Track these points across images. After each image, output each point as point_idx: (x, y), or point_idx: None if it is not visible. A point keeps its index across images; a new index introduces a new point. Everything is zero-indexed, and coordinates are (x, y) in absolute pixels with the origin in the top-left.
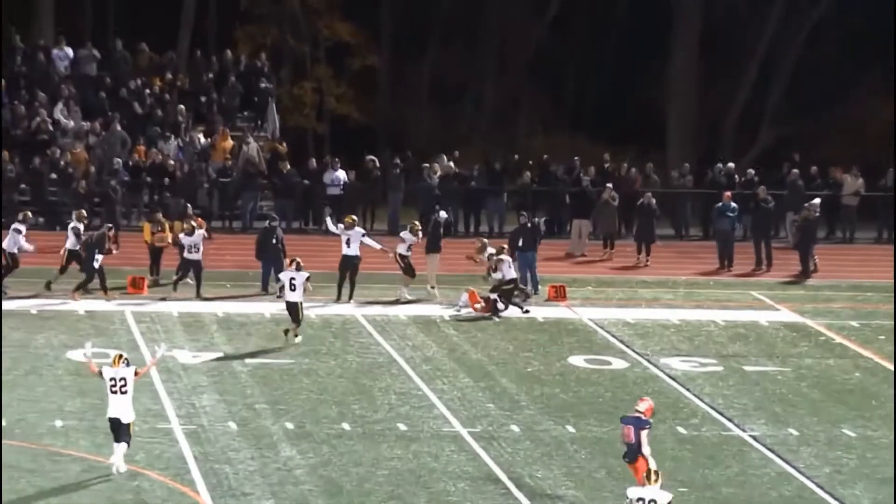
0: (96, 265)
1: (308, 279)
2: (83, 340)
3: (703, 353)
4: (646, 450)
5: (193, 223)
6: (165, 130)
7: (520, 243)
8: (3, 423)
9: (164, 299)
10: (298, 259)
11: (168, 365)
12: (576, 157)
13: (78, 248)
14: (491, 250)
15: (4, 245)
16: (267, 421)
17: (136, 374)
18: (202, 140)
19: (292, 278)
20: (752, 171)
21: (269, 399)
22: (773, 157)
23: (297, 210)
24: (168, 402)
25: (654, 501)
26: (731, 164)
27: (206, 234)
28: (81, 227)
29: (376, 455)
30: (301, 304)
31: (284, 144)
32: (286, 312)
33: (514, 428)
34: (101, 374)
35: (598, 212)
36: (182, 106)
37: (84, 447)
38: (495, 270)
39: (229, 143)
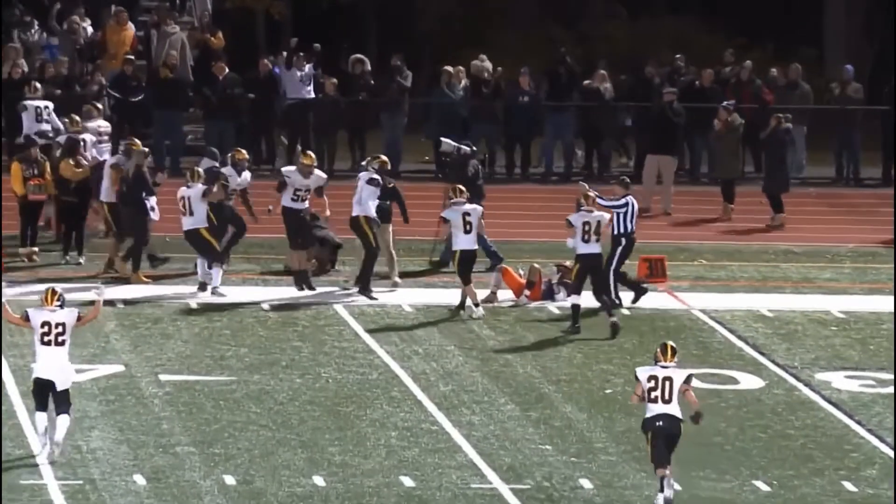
0: (155, 215)
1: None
2: None
3: (882, 365)
4: None
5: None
6: (29, 15)
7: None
8: None
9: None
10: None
11: None
12: (677, 56)
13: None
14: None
15: None
16: (194, 473)
17: (78, 319)
18: (89, 30)
19: (466, 214)
20: None
21: (198, 438)
22: None
23: (241, 137)
24: (39, 443)
25: (670, 380)
26: None
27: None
28: None
29: None
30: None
31: (221, 36)
32: (231, 302)
33: (586, 483)
34: (26, 319)
35: (714, 143)
36: None
37: None
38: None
39: (129, 32)
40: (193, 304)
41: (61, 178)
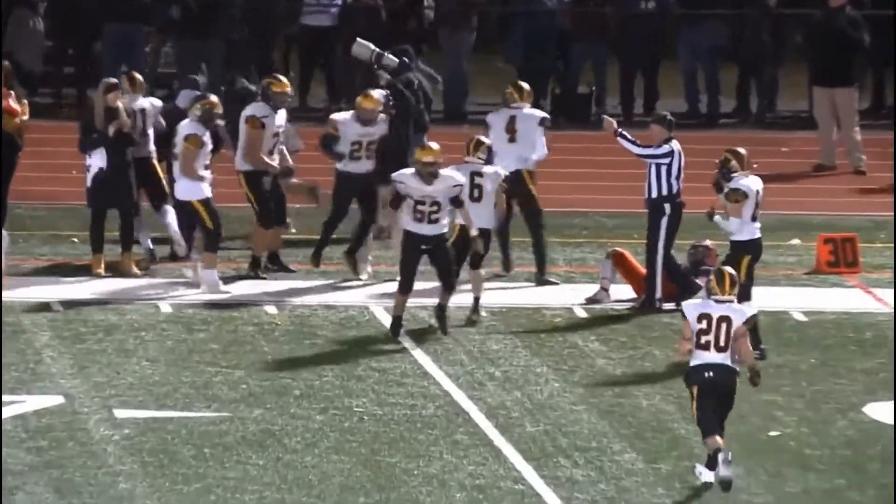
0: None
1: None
2: None
3: None
4: None
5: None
6: None
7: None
8: None
9: None
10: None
11: None
12: None
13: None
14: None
15: None
16: None
17: None
18: None
19: (477, 174)
20: None
21: (172, 501)
22: None
23: (234, 61)
24: None
25: (727, 320)
26: None
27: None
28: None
29: None
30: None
31: None
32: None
33: None
34: None
35: None
36: None
37: None
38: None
39: None
40: (165, 305)
41: None
